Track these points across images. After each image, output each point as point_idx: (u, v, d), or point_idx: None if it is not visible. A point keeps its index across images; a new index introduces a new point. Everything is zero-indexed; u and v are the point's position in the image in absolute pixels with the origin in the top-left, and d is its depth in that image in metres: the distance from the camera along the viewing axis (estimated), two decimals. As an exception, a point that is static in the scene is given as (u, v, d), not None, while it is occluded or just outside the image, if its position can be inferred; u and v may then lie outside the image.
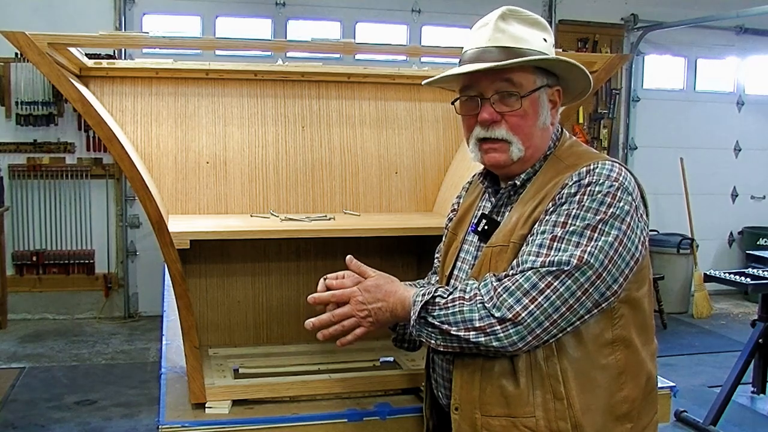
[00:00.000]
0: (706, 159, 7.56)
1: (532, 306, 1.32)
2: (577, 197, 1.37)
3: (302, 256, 2.12)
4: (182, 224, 1.78)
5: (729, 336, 6.26)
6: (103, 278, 6.36)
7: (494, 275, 1.39)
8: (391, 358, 2.09)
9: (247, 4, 6.49)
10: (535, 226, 1.40)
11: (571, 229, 1.34)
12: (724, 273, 4.18)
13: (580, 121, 7.32)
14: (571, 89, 1.54)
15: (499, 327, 1.33)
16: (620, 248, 1.35)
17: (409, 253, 2.20)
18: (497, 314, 1.33)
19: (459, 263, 1.58)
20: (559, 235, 1.35)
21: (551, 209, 1.39)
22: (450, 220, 1.74)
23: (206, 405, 1.76)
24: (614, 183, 1.37)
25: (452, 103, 1.56)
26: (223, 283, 2.08)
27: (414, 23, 6.83)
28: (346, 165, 2.09)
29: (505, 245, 1.43)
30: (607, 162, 1.42)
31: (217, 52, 5.14)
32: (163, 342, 2.22)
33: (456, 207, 1.74)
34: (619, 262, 1.35)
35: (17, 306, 6.17)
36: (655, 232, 7.25)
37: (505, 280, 1.36)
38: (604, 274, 1.33)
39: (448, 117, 2.24)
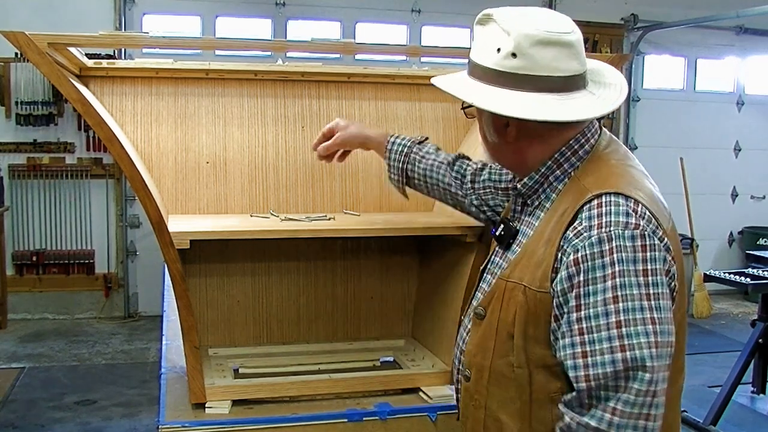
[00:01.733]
0: (706, 159, 7.55)
1: None
2: (592, 275, 1.21)
3: (302, 256, 2.12)
4: (182, 224, 1.78)
5: (729, 336, 6.26)
6: (103, 278, 6.37)
7: None
8: (391, 358, 2.09)
9: (247, 4, 6.49)
10: (559, 304, 1.26)
11: (598, 329, 1.20)
12: (724, 273, 4.18)
13: (580, 121, 7.31)
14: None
15: None
16: (660, 302, 1.21)
17: (410, 253, 2.20)
18: None
19: (490, 266, 1.51)
20: (587, 341, 1.20)
21: (566, 288, 1.24)
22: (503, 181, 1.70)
23: (206, 405, 1.76)
24: (634, 232, 1.22)
25: None
26: (223, 283, 2.08)
27: (414, 23, 6.83)
28: (346, 165, 2.08)
29: (519, 284, 1.33)
30: (617, 197, 1.26)
31: (217, 52, 5.13)
32: (163, 342, 2.22)
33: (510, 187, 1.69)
34: (662, 317, 1.20)
35: (17, 306, 6.17)
36: (655, 232, 7.25)
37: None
38: (655, 348, 1.18)
39: (448, 117, 2.24)
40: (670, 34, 7.30)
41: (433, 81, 1.46)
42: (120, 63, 2.06)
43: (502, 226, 1.47)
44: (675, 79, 7.76)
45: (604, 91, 1.36)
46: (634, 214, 1.24)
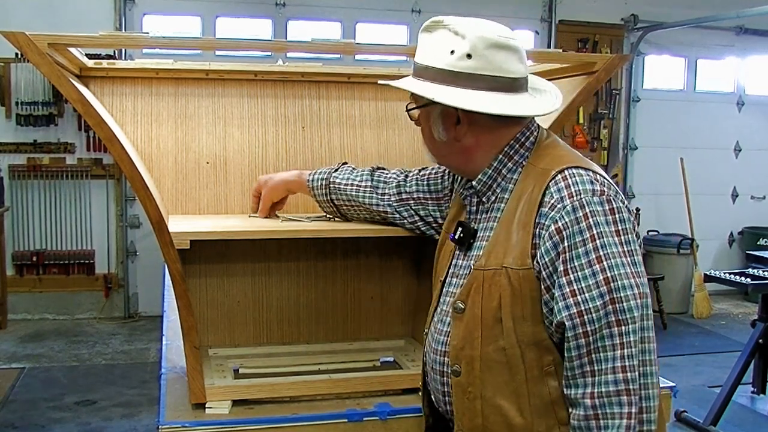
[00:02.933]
0: (706, 159, 7.56)
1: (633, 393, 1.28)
2: (574, 240, 1.31)
3: (302, 256, 2.12)
4: (182, 224, 1.78)
5: (729, 336, 6.26)
6: (103, 278, 6.37)
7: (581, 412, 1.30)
8: (391, 358, 2.09)
9: (247, 4, 6.49)
10: (547, 277, 1.34)
11: (589, 289, 1.30)
12: (724, 273, 4.18)
13: (580, 121, 7.32)
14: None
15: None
16: (635, 258, 1.33)
17: (410, 253, 2.20)
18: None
19: (452, 269, 1.56)
20: (580, 300, 1.30)
21: (554, 257, 1.32)
22: (450, 191, 1.73)
23: (206, 405, 1.76)
24: (601, 198, 1.33)
25: None
26: (223, 283, 2.07)
27: (414, 23, 6.83)
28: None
29: (499, 269, 1.39)
30: (578, 169, 1.38)
31: (217, 52, 5.14)
32: (163, 342, 2.22)
33: (448, 189, 1.74)
34: (640, 271, 1.32)
35: (17, 306, 6.18)
36: (656, 233, 7.25)
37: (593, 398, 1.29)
38: (640, 299, 1.31)
39: (448, 117, 2.24)
40: (670, 34, 7.31)
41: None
42: (120, 63, 2.06)
43: (460, 229, 1.52)
44: (675, 79, 7.76)
45: (540, 95, 1.50)
46: (596, 182, 1.36)
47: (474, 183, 1.49)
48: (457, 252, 1.55)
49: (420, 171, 1.82)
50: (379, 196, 1.83)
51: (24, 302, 6.23)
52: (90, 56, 2.00)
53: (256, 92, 2.11)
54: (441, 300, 1.57)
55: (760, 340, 4.03)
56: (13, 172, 6.10)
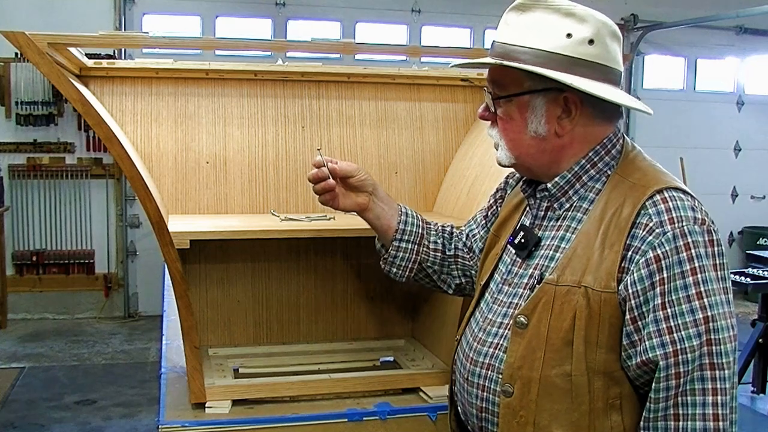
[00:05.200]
0: (706, 159, 7.56)
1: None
2: (674, 271, 1.20)
3: (302, 256, 2.12)
4: (182, 224, 1.78)
5: (729, 336, 6.26)
6: (103, 278, 6.37)
7: None
8: (391, 358, 2.09)
9: (247, 4, 6.49)
10: (636, 307, 1.22)
11: (686, 327, 1.19)
12: (724, 273, 4.16)
13: (580, 121, 7.32)
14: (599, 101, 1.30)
15: None
16: (731, 296, 1.23)
17: (409, 253, 2.20)
18: None
19: (495, 274, 1.46)
20: (677, 339, 1.19)
21: (647, 287, 1.21)
22: (492, 214, 1.63)
23: (206, 405, 1.76)
24: (702, 227, 1.22)
25: None
26: (223, 283, 2.07)
27: (414, 23, 6.83)
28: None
29: (575, 287, 1.26)
30: (677, 192, 1.26)
31: (217, 52, 5.14)
32: (163, 342, 2.22)
33: (499, 201, 1.62)
34: (733, 311, 1.23)
35: (17, 306, 6.18)
36: (655, 232, 7.25)
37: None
38: (734, 342, 1.22)
39: (448, 117, 2.24)
40: (670, 34, 7.31)
41: (484, 60, 1.35)
42: (120, 63, 2.06)
43: (521, 233, 1.40)
44: (675, 79, 7.77)
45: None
46: (697, 209, 1.25)
47: (549, 186, 1.36)
48: (514, 258, 1.42)
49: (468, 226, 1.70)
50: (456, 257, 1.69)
51: (24, 302, 6.23)
52: (90, 56, 1.99)
53: (256, 92, 2.11)
54: (484, 307, 1.45)
55: (760, 340, 4.03)
56: (13, 172, 6.11)
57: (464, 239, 1.68)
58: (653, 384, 1.20)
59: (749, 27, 7.63)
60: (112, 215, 6.41)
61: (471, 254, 1.66)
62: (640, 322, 1.22)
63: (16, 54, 5.71)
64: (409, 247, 1.62)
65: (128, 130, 1.99)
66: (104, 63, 2.01)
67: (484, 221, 1.66)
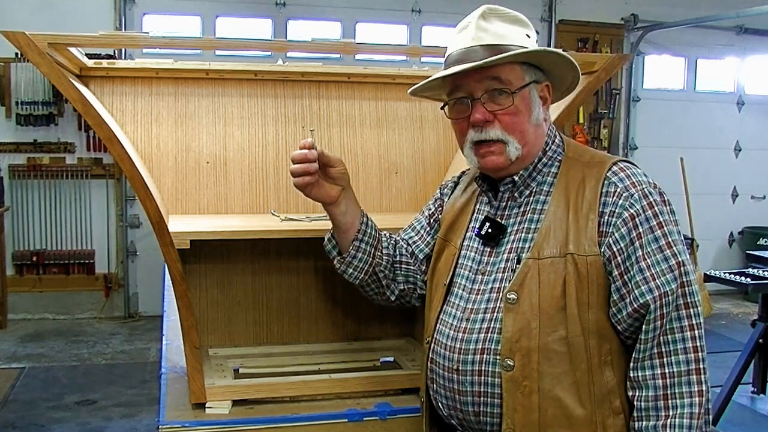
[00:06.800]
0: (706, 159, 7.56)
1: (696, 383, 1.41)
2: (646, 226, 1.37)
3: (302, 256, 2.12)
4: (182, 224, 1.78)
5: (729, 336, 6.26)
6: (103, 278, 6.37)
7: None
8: (391, 358, 2.09)
9: (247, 4, 6.49)
10: (618, 265, 1.37)
11: (663, 273, 1.36)
12: (724, 273, 4.17)
13: (581, 121, 7.32)
14: (559, 84, 1.52)
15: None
16: (687, 253, 1.40)
17: (409, 253, 2.20)
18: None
19: (459, 270, 1.53)
20: (660, 284, 1.35)
21: (628, 242, 1.36)
22: (434, 221, 1.71)
23: (206, 405, 1.76)
24: (657, 189, 1.41)
25: (441, 108, 1.54)
26: (223, 283, 2.08)
27: (414, 23, 6.83)
28: (346, 165, 2.08)
29: (559, 257, 1.38)
30: (628, 163, 1.45)
31: (217, 52, 5.14)
32: (163, 342, 2.22)
33: (439, 210, 1.71)
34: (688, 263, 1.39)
35: (17, 306, 6.18)
36: (655, 232, 7.24)
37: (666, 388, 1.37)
38: (693, 283, 1.38)
39: (448, 117, 2.24)
40: (670, 34, 7.31)
41: (524, 50, 1.42)
42: (120, 63, 2.06)
43: (488, 224, 1.50)
44: (675, 79, 7.77)
45: None
46: (648, 175, 1.43)
47: (516, 178, 1.47)
48: (482, 249, 1.50)
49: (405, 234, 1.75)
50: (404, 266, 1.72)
51: (24, 302, 6.23)
52: (90, 56, 2.00)
53: (256, 92, 2.12)
54: (457, 301, 1.50)
55: (760, 340, 4.03)
56: (13, 172, 6.10)
57: (405, 246, 1.73)
58: (643, 327, 1.34)
59: (749, 27, 7.63)
60: (113, 215, 6.41)
61: (414, 260, 1.72)
62: (626, 276, 1.36)
63: (17, 54, 5.71)
64: (368, 249, 1.64)
65: (128, 130, 1.99)
66: (104, 63, 2.01)
67: (428, 227, 1.73)
